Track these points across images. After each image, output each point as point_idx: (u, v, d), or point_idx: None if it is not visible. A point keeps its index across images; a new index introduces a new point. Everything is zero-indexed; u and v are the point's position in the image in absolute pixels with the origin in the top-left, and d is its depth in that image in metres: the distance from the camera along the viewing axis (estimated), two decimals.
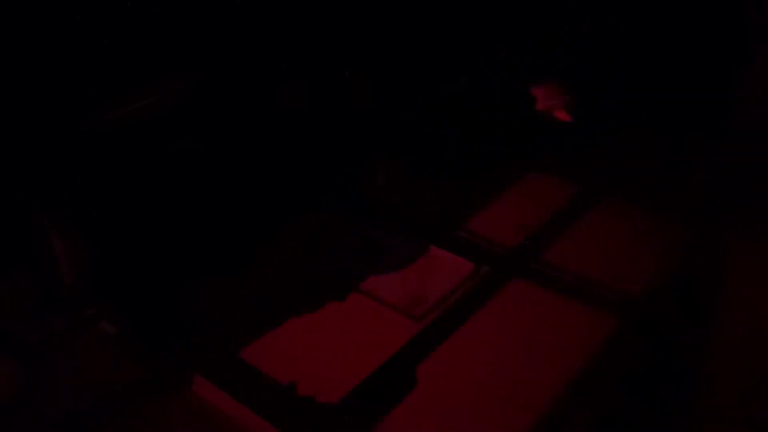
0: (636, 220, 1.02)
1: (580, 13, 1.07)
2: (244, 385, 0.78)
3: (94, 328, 0.85)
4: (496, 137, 1.13)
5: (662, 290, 0.92)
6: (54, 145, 0.79)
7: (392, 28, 1.09)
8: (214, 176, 0.95)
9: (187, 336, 0.85)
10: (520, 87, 1.14)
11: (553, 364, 0.79)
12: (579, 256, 0.95)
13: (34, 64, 0.75)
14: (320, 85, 1.03)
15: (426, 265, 0.97)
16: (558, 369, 0.79)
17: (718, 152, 0.98)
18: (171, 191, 0.90)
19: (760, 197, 0.96)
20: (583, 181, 1.10)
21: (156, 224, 0.90)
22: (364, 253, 0.99)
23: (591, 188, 1.08)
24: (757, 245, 0.98)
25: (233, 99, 0.94)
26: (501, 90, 1.15)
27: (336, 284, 0.93)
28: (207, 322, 0.87)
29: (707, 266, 1.02)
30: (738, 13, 0.89)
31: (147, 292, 0.90)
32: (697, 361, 1.06)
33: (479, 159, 1.14)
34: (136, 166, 0.86)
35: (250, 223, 1.00)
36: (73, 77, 0.78)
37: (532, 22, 1.13)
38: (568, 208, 1.05)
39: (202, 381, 0.79)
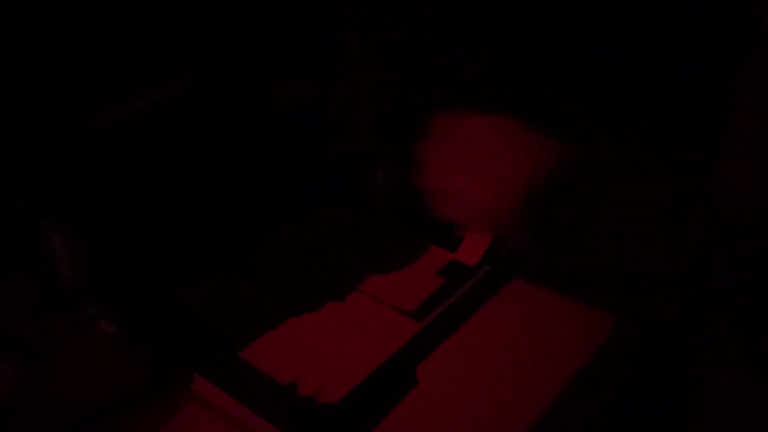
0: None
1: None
2: (244, 385, 0.78)
3: (94, 328, 0.85)
4: None
5: (663, 290, 0.92)
6: (54, 145, 0.79)
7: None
8: (215, 175, 0.95)
9: (187, 336, 0.85)
10: None
11: (553, 364, 0.79)
12: (579, 256, 0.95)
13: (34, 64, 0.75)
14: (320, 85, 1.03)
15: (426, 265, 0.97)
16: (558, 369, 0.79)
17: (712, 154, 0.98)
18: (171, 190, 0.90)
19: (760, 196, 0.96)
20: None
21: (156, 223, 0.90)
22: (364, 252, 0.99)
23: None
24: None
25: (233, 98, 0.94)
26: None
27: (336, 284, 0.93)
28: (206, 322, 0.87)
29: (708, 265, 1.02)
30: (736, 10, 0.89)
31: (147, 291, 0.90)
32: (698, 360, 1.06)
33: None
34: (136, 165, 0.86)
35: (249, 223, 1.00)
36: (73, 77, 0.78)
37: None
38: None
39: (202, 381, 0.79)
